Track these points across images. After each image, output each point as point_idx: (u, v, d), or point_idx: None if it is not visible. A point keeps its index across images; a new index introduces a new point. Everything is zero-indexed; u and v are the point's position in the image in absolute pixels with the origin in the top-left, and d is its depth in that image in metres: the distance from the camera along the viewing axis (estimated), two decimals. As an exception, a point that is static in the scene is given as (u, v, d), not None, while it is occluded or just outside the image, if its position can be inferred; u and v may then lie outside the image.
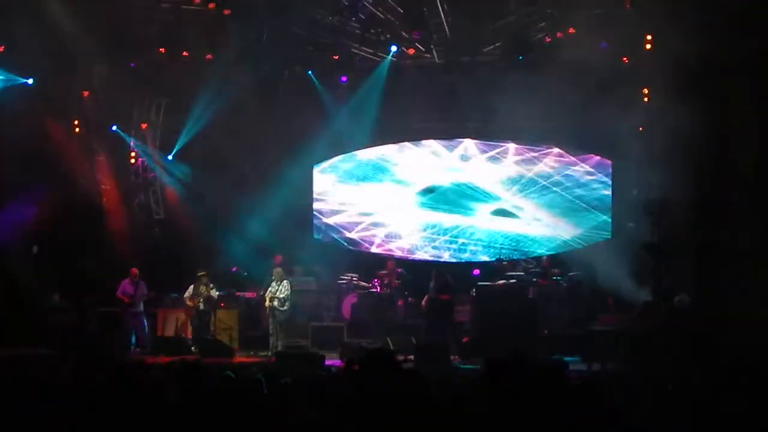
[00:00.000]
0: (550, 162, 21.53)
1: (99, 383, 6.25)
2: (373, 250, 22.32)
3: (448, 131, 22.26)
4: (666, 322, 15.62)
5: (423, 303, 18.96)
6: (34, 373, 6.53)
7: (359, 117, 21.76)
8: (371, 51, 21.27)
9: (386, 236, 22.36)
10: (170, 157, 22.51)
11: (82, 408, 5.93)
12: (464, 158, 22.03)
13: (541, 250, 21.28)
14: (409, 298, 19.81)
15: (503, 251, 21.05)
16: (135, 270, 19.44)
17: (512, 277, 18.74)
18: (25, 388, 6.36)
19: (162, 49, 20.84)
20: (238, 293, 20.66)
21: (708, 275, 15.87)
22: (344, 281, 20.75)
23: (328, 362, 15.89)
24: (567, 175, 21.37)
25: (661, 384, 8.66)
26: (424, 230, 22.20)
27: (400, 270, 20.11)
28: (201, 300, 19.04)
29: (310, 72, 21.89)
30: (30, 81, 20.36)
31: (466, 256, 21.92)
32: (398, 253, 21.99)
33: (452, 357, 16.72)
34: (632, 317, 16.99)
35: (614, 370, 14.56)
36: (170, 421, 5.93)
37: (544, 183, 21.47)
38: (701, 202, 16.07)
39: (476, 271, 21.17)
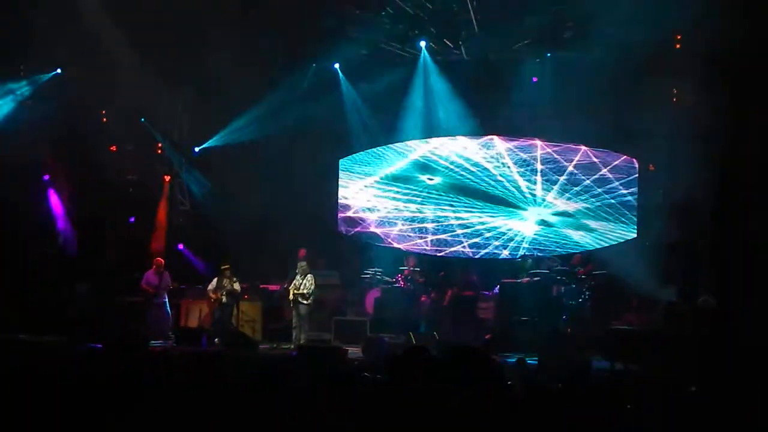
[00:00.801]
0: (576, 160, 21.40)
1: (118, 372, 6.27)
2: (396, 245, 22.26)
3: (475, 127, 22.14)
4: (689, 322, 15.52)
5: (446, 298, 18.96)
6: (52, 362, 6.53)
7: (385, 111, 21.78)
8: (399, 46, 21.26)
9: (411, 231, 22.30)
10: (197, 149, 22.60)
11: (98, 397, 5.95)
12: (491, 155, 21.93)
13: (566, 249, 21.19)
14: (432, 294, 19.79)
15: (528, 248, 20.96)
16: (160, 260, 19.47)
17: (537, 274, 18.70)
18: (41, 376, 6.39)
19: (190, 42, 20.84)
20: (261, 285, 20.69)
21: (731, 275, 15.73)
22: (368, 276, 20.75)
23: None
24: (593, 174, 21.20)
25: (684, 385, 8.61)
26: (448, 226, 22.10)
27: (419, 269, 20.10)
28: (224, 293, 19.09)
29: (336, 65, 21.91)
30: (59, 70, 20.58)
31: (491, 253, 21.84)
32: (423, 249, 21.94)
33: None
34: (655, 317, 16.93)
35: (636, 370, 14.48)
36: (188, 412, 5.94)
37: (570, 181, 21.34)
38: (726, 201, 15.92)
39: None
